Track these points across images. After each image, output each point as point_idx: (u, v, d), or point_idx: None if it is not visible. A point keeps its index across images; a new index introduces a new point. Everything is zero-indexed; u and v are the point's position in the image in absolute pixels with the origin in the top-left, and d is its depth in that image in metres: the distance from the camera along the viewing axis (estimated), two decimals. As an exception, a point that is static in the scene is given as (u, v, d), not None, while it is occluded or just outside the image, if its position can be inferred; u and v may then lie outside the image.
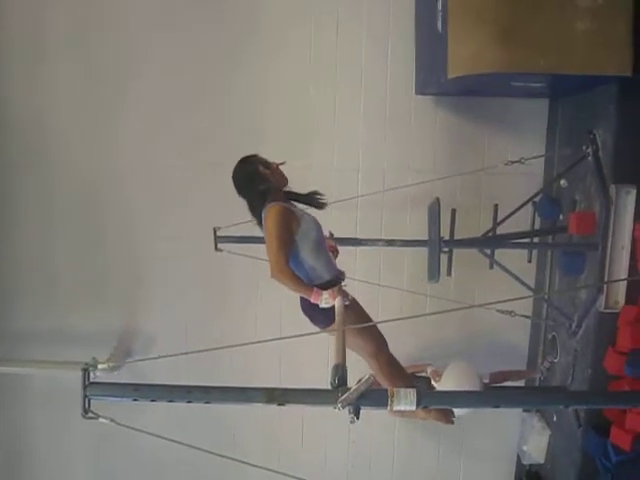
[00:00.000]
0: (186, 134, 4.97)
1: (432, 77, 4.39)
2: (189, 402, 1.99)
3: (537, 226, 4.82)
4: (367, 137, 5.00)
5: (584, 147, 4.25)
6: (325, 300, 3.14)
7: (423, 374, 4.85)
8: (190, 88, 4.92)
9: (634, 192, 4.01)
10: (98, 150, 5.01)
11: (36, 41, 4.90)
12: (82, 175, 5.03)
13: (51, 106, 4.97)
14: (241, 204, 4.60)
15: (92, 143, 5.01)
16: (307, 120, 4.98)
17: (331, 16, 4.88)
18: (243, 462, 2.22)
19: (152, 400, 1.99)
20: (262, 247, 3.74)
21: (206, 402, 2.00)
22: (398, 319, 2.45)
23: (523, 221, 4.63)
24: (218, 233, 4.25)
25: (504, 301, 2.57)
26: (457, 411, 4.31)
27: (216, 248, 4.23)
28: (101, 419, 1.98)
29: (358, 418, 1.95)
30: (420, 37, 4.71)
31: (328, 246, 3.79)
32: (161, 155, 4.98)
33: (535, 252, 4.90)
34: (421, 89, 4.84)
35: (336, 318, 2.93)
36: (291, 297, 5.08)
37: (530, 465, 5.19)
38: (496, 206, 4.46)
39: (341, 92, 4.97)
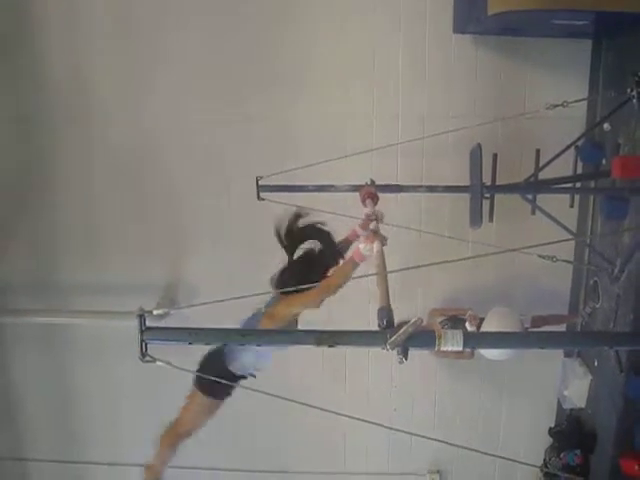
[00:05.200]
0: (225, 87, 4.96)
1: (471, 14, 4.28)
2: (242, 345, 2.03)
3: (579, 171, 4.74)
4: (406, 81, 4.90)
5: (629, 90, 4.12)
6: (365, 250, 3.05)
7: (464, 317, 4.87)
8: (229, 42, 4.89)
9: (680, 134, 3.91)
10: (138, 104, 5.03)
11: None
12: (122, 130, 5.08)
13: (88, 64, 5.00)
14: (281, 154, 4.63)
15: (132, 98, 5.03)
16: (346, 66, 4.90)
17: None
18: (302, 403, 2.14)
19: (207, 343, 2.03)
20: (303, 195, 3.76)
21: (258, 345, 2.05)
22: (440, 262, 2.46)
23: (565, 166, 4.53)
24: (260, 182, 4.24)
25: (545, 244, 2.54)
26: (499, 355, 4.37)
27: (259, 197, 4.22)
28: (158, 362, 2.00)
29: (407, 359, 1.98)
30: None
31: (368, 193, 3.77)
32: (200, 109, 4.98)
33: (577, 197, 4.82)
34: (460, 27, 4.70)
35: (377, 261, 2.85)
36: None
37: (571, 410, 5.21)
38: (538, 151, 4.38)
39: (378, 34, 4.86)
